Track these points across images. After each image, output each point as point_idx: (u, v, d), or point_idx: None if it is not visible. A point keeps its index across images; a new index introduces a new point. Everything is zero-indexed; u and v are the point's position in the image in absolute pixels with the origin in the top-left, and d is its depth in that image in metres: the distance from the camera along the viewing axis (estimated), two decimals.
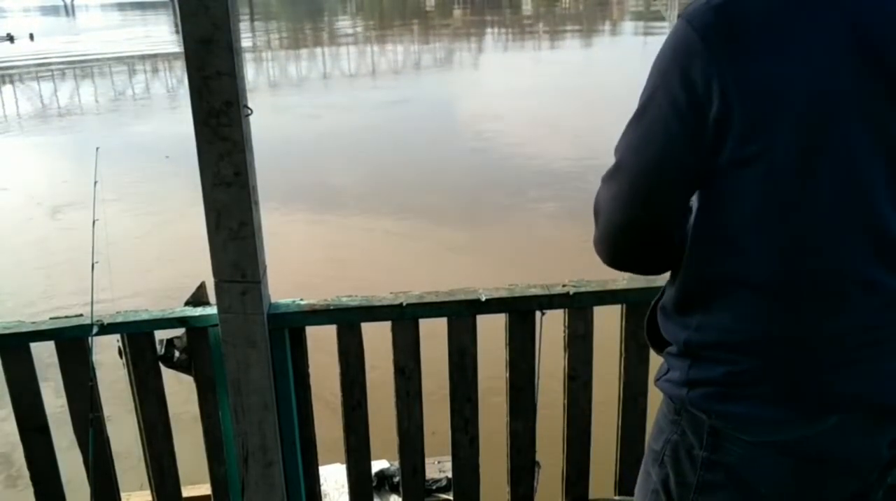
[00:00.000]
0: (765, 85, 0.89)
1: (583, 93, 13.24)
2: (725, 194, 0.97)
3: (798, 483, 1.04)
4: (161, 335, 1.93)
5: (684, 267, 1.08)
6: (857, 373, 0.99)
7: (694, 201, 1.05)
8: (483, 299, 1.91)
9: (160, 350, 1.92)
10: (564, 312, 1.97)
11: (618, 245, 1.11)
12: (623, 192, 1.04)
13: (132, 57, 21.94)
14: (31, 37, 28.84)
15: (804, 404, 1.00)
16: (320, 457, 2.08)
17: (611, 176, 1.06)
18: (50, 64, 19.99)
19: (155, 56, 21.99)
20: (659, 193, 1.03)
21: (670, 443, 1.11)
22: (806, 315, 0.98)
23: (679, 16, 0.96)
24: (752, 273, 0.99)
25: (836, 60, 0.89)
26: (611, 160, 1.06)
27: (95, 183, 1.99)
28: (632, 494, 2.13)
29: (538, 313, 1.95)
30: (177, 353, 1.91)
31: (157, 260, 6.09)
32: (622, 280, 1.99)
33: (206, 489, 2.11)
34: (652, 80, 0.99)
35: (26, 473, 1.96)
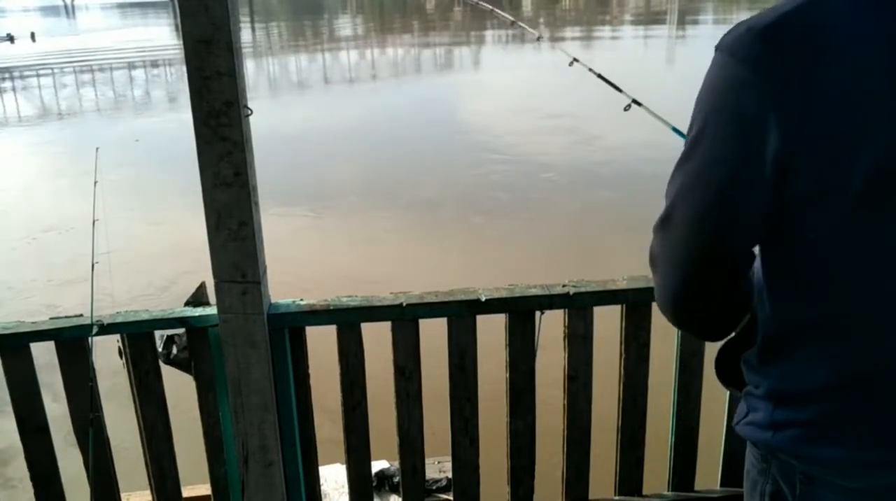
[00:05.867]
0: (825, 120, 0.82)
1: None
2: (797, 235, 0.90)
3: None
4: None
5: (760, 316, 1.01)
6: None
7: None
8: (483, 299, 1.91)
9: (159, 345, 1.92)
10: (564, 312, 1.97)
11: (683, 300, 1.01)
12: (680, 239, 0.96)
13: (131, 50, 21.98)
14: (33, 37, 28.79)
15: None
16: (320, 457, 2.08)
17: (664, 222, 0.97)
18: (51, 65, 19.98)
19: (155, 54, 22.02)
20: (719, 236, 0.94)
21: (767, 496, 1.02)
22: (894, 350, 0.91)
23: (717, 48, 0.88)
24: (835, 312, 0.93)
25: (878, 82, 0.82)
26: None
27: (95, 183, 1.99)
28: (631, 494, 2.15)
29: (538, 313, 1.95)
30: (175, 350, 1.92)
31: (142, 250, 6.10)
32: (622, 280, 1.99)
33: (206, 489, 2.11)
34: (699, 119, 0.91)
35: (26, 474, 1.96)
